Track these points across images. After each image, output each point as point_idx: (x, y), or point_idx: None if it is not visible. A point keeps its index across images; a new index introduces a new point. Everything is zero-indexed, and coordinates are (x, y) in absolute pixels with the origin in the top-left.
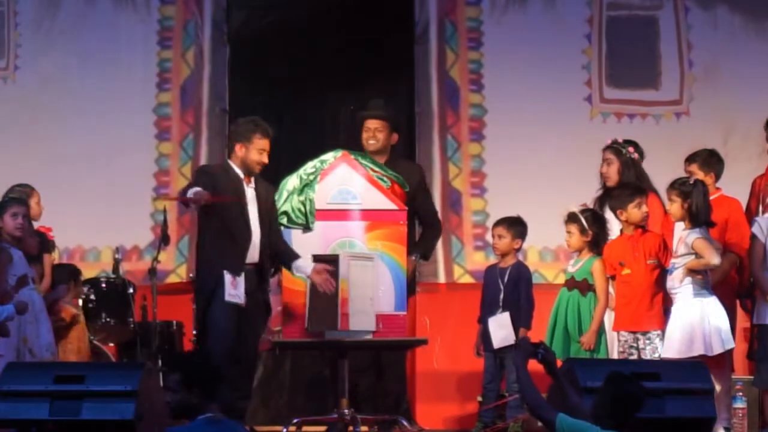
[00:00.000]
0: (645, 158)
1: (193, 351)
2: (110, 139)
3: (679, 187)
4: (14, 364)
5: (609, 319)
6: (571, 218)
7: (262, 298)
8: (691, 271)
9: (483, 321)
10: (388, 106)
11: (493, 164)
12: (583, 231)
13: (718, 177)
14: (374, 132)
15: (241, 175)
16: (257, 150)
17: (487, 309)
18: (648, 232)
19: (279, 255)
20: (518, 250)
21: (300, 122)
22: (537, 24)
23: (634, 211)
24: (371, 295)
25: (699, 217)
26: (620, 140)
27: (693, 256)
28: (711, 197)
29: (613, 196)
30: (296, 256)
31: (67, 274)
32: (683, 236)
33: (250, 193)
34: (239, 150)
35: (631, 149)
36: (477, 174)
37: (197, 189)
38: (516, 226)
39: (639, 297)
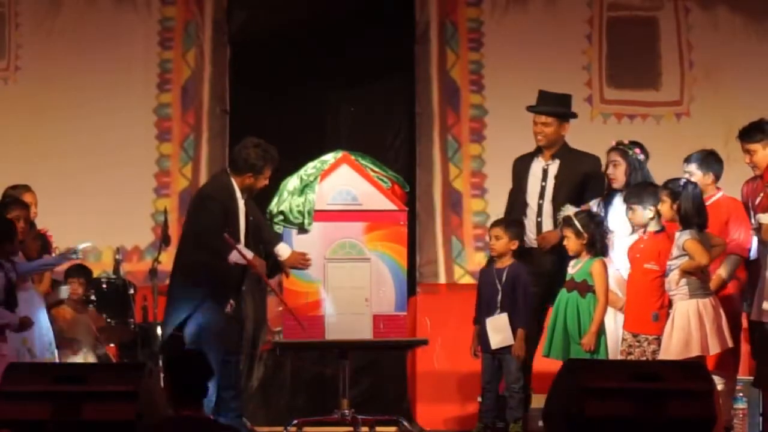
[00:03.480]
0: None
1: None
2: (111, 139)
3: (669, 187)
4: (15, 364)
5: (614, 319)
6: (566, 222)
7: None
8: (686, 272)
9: (479, 322)
10: (560, 98)
11: (493, 165)
12: (578, 234)
13: (717, 177)
14: (541, 126)
15: (239, 194)
16: (265, 178)
17: (484, 310)
18: (658, 234)
19: (266, 246)
20: (515, 250)
21: (300, 123)
22: (537, 25)
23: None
24: (367, 296)
25: (688, 219)
26: (626, 141)
27: (687, 258)
28: (712, 198)
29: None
30: (279, 241)
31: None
32: (676, 238)
33: (242, 208)
34: (248, 179)
35: (637, 150)
36: (477, 175)
37: (260, 261)
38: (512, 227)
39: (633, 299)
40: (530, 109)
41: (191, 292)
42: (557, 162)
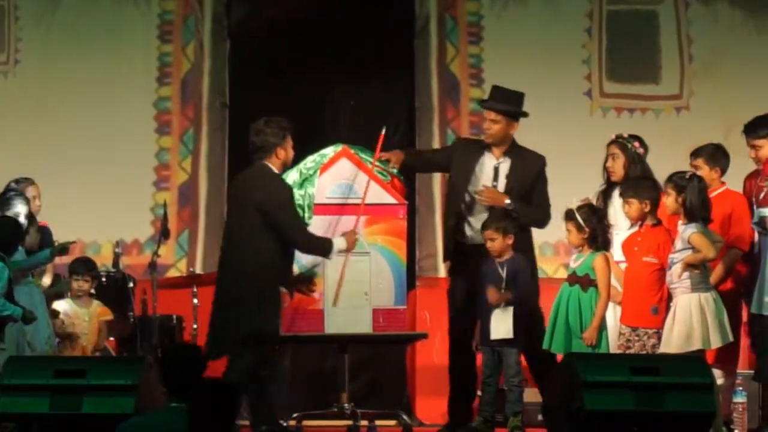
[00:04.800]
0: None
1: (179, 350)
2: (110, 132)
3: (674, 180)
4: (15, 358)
5: (613, 313)
6: (568, 216)
7: None
8: (689, 266)
9: (481, 315)
10: (509, 96)
11: None
12: (579, 228)
13: (723, 171)
14: (489, 123)
15: None
16: (291, 146)
17: (486, 303)
18: (655, 227)
19: None
20: (511, 244)
21: (300, 116)
22: (537, 18)
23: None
24: (366, 289)
25: (693, 212)
26: (625, 135)
27: (690, 251)
28: (716, 192)
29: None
30: None
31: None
32: (680, 231)
33: None
34: (281, 153)
35: (636, 144)
36: None
37: (352, 238)
38: (502, 222)
39: (632, 292)
40: (482, 104)
41: (266, 298)
42: (508, 161)
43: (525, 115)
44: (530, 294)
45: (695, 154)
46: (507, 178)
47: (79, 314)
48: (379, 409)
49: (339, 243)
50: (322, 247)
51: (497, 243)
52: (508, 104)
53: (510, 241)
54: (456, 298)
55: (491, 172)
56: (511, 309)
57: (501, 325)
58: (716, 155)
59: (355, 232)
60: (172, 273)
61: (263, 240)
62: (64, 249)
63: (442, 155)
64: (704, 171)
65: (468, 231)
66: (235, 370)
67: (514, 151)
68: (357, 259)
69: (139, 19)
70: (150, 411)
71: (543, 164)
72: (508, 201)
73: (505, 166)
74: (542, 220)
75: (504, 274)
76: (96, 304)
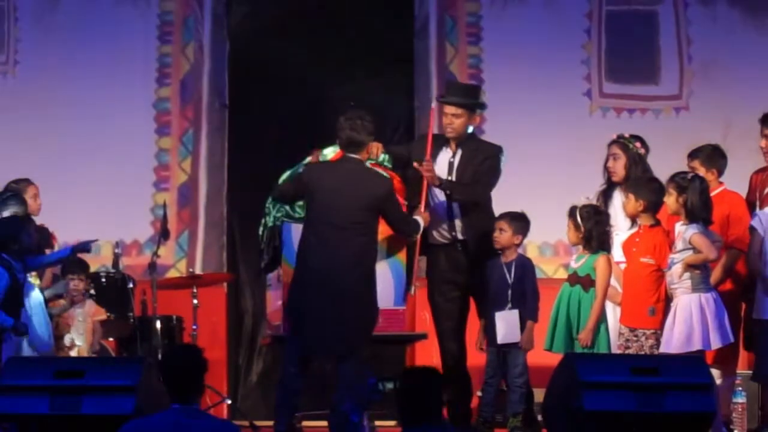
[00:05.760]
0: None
1: (181, 351)
2: (110, 133)
3: (676, 180)
4: (14, 358)
5: (613, 313)
6: (570, 212)
7: None
8: (690, 266)
9: (485, 316)
10: (468, 90)
11: None
12: (576, 226)
13: (720, 173)
14: (451, 118)
15: None
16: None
17: (492, 303)
18: (653, 228)
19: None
20: (518, 245)
21: (299, 117)
22: (536, 19)
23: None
24: None
25: (694, 212)
26: (626, 135)
27: (691, 251)
28: (714, 192)
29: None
30: None
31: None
32: (681, 231)
33: None
34: (368, 150)
35: (638, 144)
36: None
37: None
38: (518, 221)
39: (630, 293)
40: (442, 100)
41: (376, 293)
42: (459, 153)
43: (484, 107)
44: (536, 296)
45: (692, 155)
46: (457, 170)
47: (74, 314)
48: (378, 409)
49: (421, 222)
50: (418, 229)
51: (505, 236)
52: (468, 97)
53: (517, 242)
54: (434, 299)
55: (446, 167)
56: (516, 311)
57: (506, 327)
58: (713, 157)
59: (424, 210)
60: (172, 273)
61: (371, 234)
62: (86, 247)
63: (404, 150)
64: (701, 172)
65: (434, 232)
66: (357, 366)
67: (467, 143)
68: None
69: (139, 19)
70: (151, 412)
71: (494, 152)
72: (438, 182)
73: (456, 159)
74: (471, 196)
75: (512, 275)
76: (89, 304)
